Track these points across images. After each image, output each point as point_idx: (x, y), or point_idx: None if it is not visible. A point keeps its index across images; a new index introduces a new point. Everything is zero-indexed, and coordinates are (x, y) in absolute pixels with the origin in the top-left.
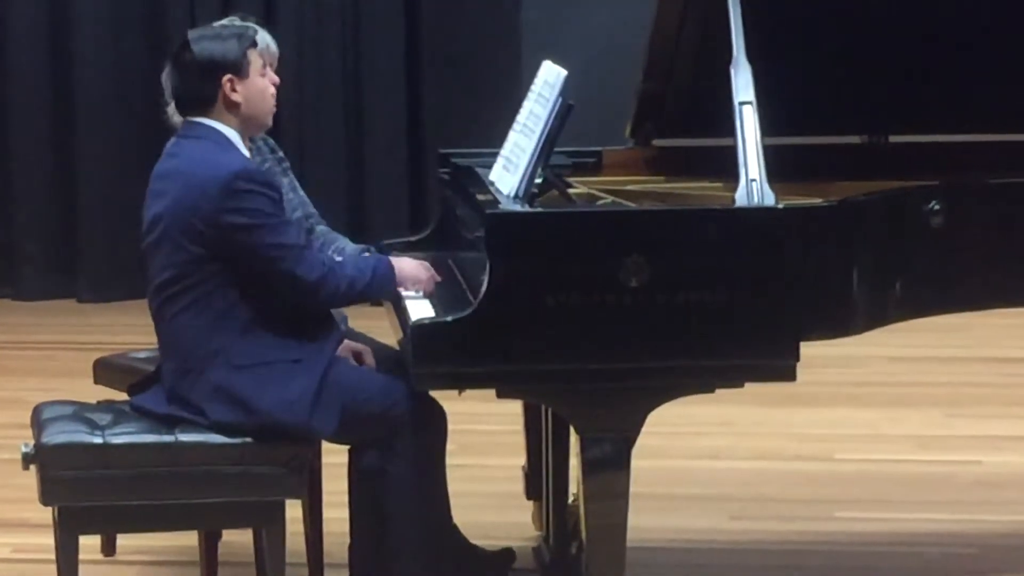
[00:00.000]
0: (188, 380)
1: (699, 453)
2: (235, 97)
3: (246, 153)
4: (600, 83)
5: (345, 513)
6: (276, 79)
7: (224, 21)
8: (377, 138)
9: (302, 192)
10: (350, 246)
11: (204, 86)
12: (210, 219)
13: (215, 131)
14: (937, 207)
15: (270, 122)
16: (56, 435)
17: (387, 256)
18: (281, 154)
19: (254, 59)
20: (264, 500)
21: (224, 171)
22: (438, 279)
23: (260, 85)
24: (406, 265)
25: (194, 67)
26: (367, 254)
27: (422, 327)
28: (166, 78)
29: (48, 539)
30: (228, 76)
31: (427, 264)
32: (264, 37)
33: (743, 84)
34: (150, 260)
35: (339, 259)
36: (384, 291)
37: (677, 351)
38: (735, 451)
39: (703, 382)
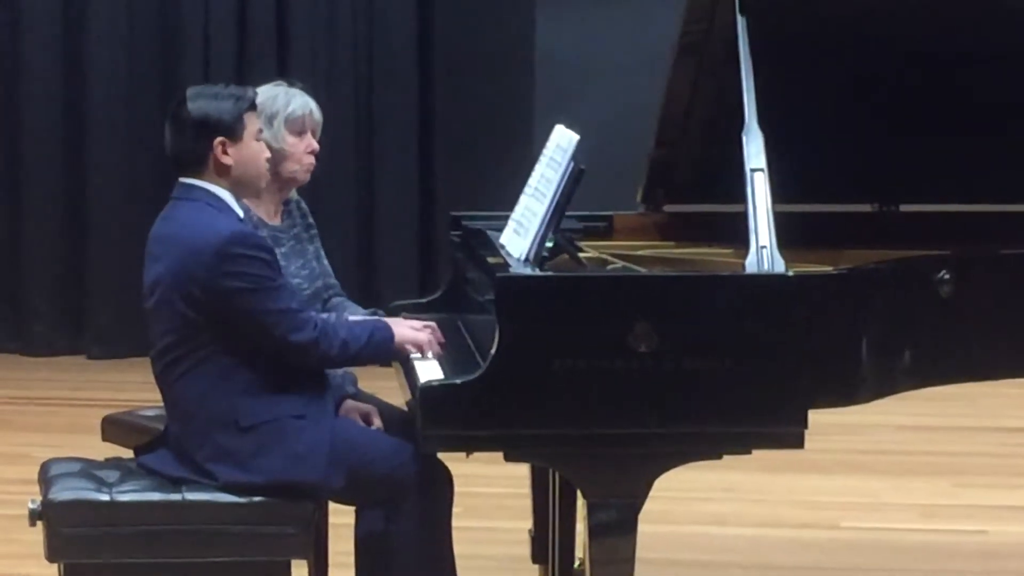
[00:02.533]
0: (195, 443)
1: (705, 519)
2: (225, 160)
3: (240, 213)
4: (612, 148)
5: (351, 573)
6: (315, 145)
7: (270, 84)
8: (388, 200)
9: (326, 262)
10: (360, 312)
11: (196, 145)
12: (206, 284)
13: (209, 193)
14: (947, 277)
15: (263, 185)
16: (63, 492)
17: (384, 321)
18: (311, 220)
19: (250, 123)
20: (270, 560)
21: (219, 236)
22: (441, 340)
23: (254, 149)
24: (405, 330)
25: (188, 125)
26: (364, 318)
27: (431, 389)
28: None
29: None
30: (220, 139)
31: (432, 325)
32: (308, 103)
33: (755, 151)
34: (150, 324)
35: (335, 318)
36: (381, 355)
37: (685, 417)
38: (741, 518)
39: (710, 448)
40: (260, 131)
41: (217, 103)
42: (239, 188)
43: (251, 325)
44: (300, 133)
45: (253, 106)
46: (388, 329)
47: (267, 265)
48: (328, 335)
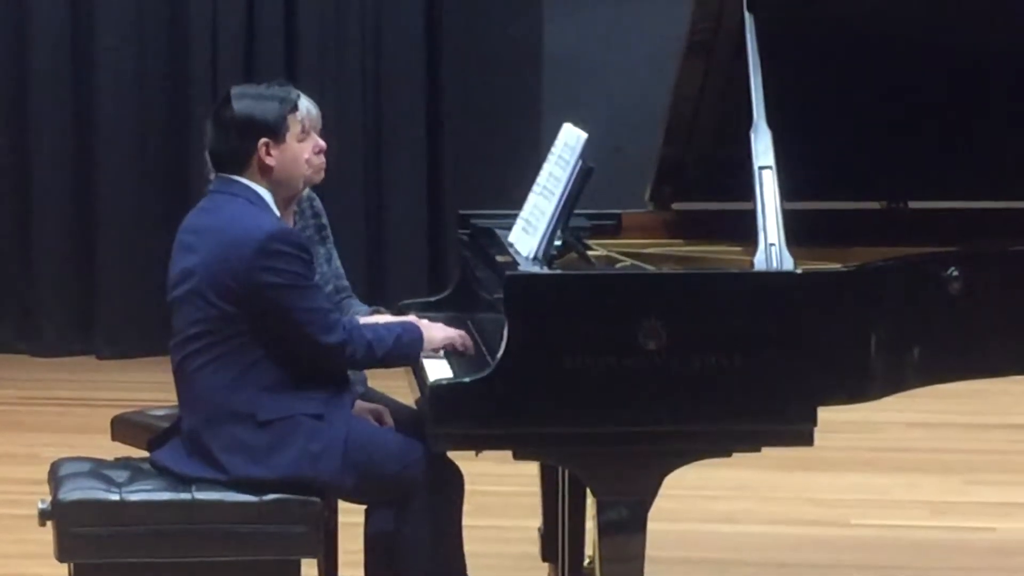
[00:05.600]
0: (209, 434)
1: (715, 517)
2: (269, 161)
3: (278, 214)
4: (620, 146)
5: (361, 573)
6: (322, 144)
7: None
8: (397, 199)
9: (337, 263)
10: (362, 309)
11: (240, 145)
12: (243, 277)
13: (249, 190)
14: (956, 273)
15: (301, 187)
16: (73, 491)
17: (413, 323)
18: (325, 220)
19: (293, 124)
20: (280, 559)
21: (260, 231)
22: (469, 344)
23: (295, 151)
24: (436, 333)
25: (232, 124)
26: (378, 317)
27: (440, 388)
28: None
29: None
30: (265, 139)
31: (462, 333)
32: (304, 103)
33: (763, 149)
34: (175, 313)
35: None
36: (409, 357)
37: (694, 415)
38: (751, 515)
39: (720, 446)
40: (302, 132)
41: (262, 104)
42: (278, 188)
43: (283, 322)
44: (303, 137)
45: (296, 107)
46: (416, 331)
47: (305, 264)
48: (355, 339)
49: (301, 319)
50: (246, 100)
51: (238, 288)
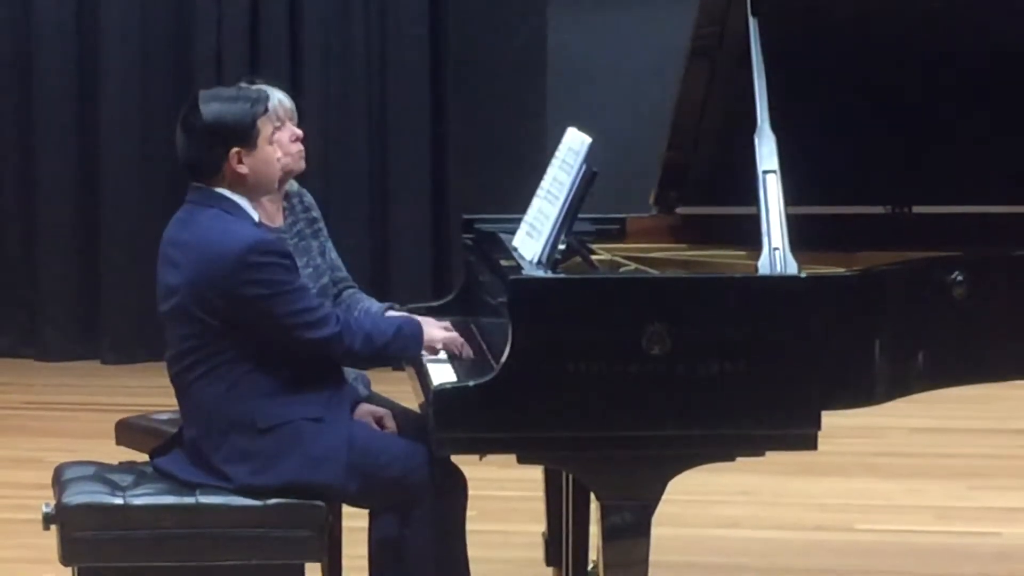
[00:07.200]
0: (211, 445)
1: (718, 522)
2: (241, 170)
3: (255, 217)
4: (625, 150)
5: None
6: (299, 132)
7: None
8: (401, 203)
9: (333, 255)
10: (375, 305)
11: (210, 155)
12: (226, 292)
13: (225, 199)
14: (960, 278)
15: (276, 186)
16: (77, 495)
17: (414, 317)
18: (316, 214)
19: (264, 127)
20: (285, 563)
21: (238, 244)
22: (468, 350)
23: (268, 154)
24: (436, 330)
25: (202, 132)
26: (392, 312)
27: (444, 392)
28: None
29: None
30: (236, 148)
31: (462, 340)
32: (274, 95)
33: (767, 153)
34: (167, 328)
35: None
36: (409, 350)
37: (698, 419)
38: (755, 520)
39: (724, 450)
40: (273, 133)
41: (231, 107)
42: (255, 192)
43: (272, 329)
44: (277, 128)
45: (266, 110)
46: (417, 325)
47: (286, 270)
48: (351, 329)
49: (290, 322)
50: (215, 104)
51: (223, 304)
